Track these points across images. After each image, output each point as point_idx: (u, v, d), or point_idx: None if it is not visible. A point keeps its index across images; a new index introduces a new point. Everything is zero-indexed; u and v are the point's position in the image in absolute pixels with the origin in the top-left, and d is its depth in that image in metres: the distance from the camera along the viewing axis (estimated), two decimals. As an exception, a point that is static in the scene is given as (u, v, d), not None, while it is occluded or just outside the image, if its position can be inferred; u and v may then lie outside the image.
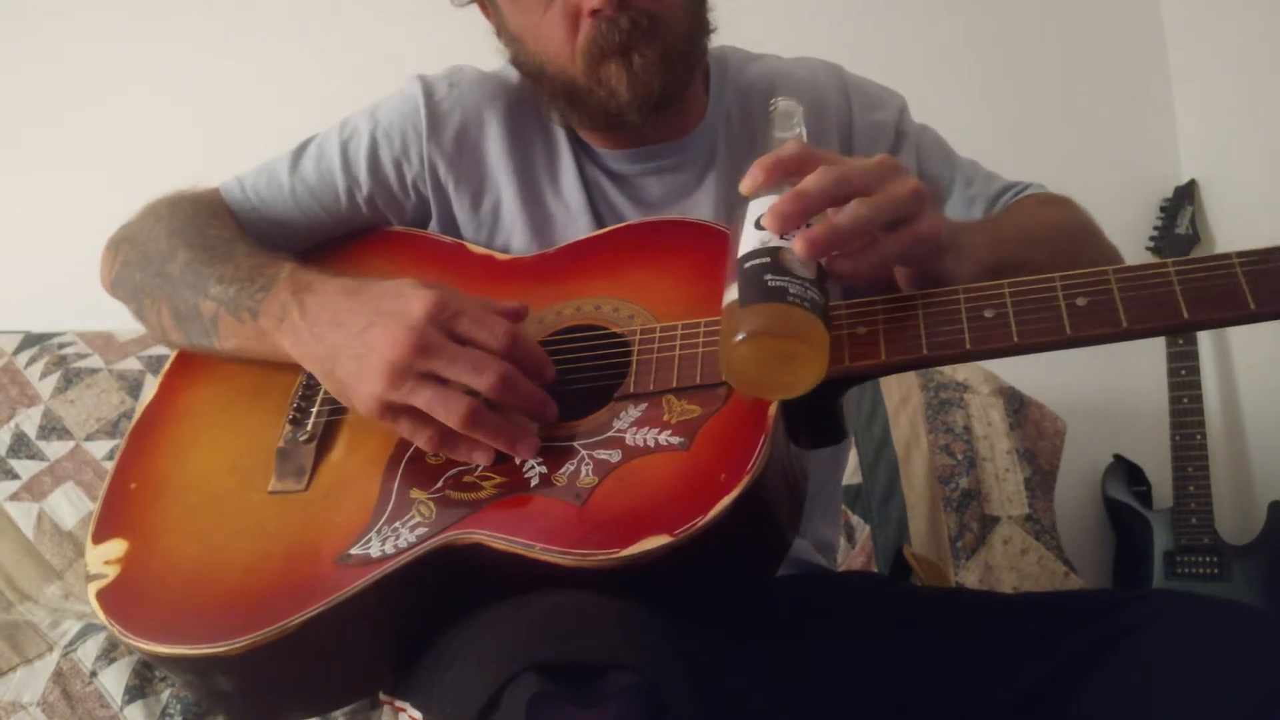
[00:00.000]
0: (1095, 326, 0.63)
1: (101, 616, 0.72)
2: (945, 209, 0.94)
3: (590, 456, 0.68)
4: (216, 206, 0.93)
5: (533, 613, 0.57)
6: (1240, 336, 2.02)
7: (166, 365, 0.89)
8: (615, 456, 0.67)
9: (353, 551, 0.69)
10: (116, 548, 0.76)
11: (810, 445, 0.73)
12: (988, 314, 0.65)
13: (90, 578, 0.74)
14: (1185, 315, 0.62)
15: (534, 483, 0.68)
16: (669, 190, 0.92)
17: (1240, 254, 0.62)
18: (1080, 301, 0.64)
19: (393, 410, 0.70)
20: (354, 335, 0.71)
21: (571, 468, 0.68)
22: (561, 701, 0.49)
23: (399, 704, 0.75)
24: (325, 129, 0.96)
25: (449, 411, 0.68)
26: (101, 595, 0.73)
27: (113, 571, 0.74)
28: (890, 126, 0.95)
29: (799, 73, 0.97)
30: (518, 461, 0.70)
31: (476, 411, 0.68)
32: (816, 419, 0.71)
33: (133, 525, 0.77)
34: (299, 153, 0.94)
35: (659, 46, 0.82)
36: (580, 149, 0.93)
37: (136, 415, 0.86)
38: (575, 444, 0.70)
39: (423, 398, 0.69)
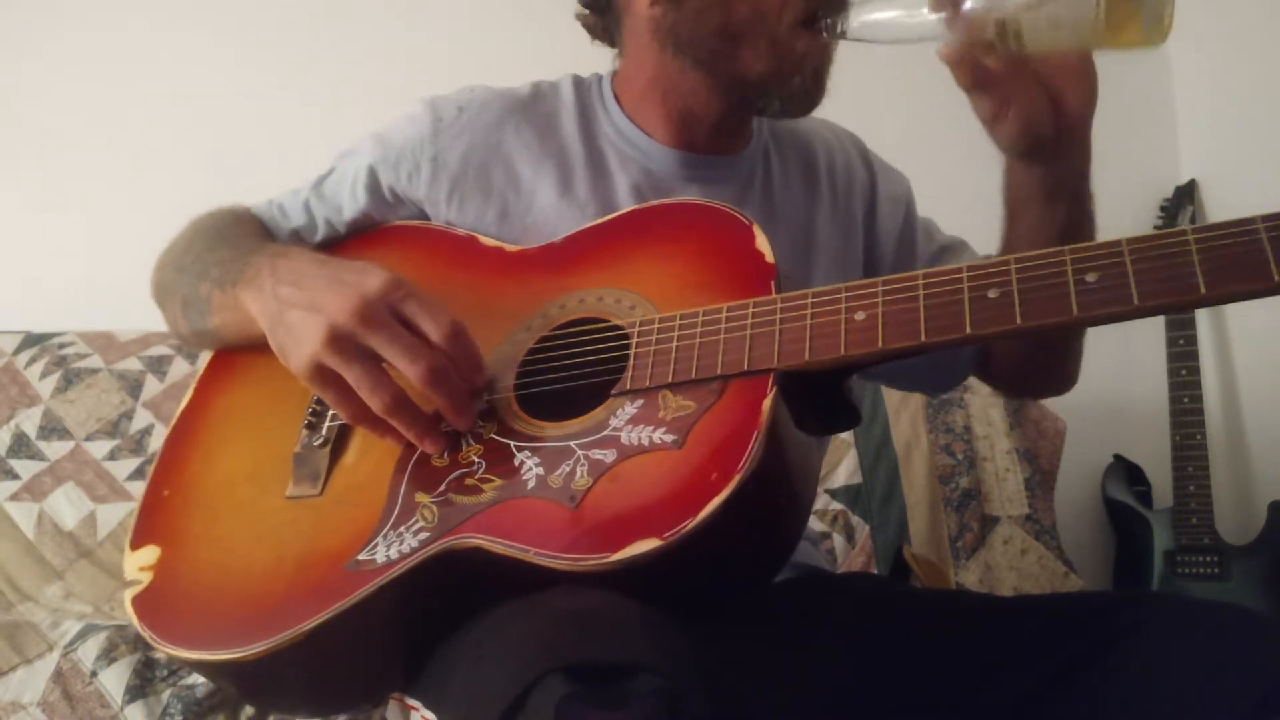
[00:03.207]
0: (1104, 305, 0.61)
1: (135, 622, 0.73)
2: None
3: (586, 457, 0.68)
4: (244, 214, 0.96)
5: (554, 613, 0.57)
6: (1241, 337, 2.03)
7: (201, 369, 0.91)
8: (610, 456, 0.67)
9: (360, 557, 0.69)
10: (150, 554, 0.77)
11: (821, 431, 0.72)
12: (991, 294, 0.64)
13: (126, 584, 0.76)
14: (1202, 290, 0.58)
15: (530, 485, 0.68)
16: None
17: (1266, 217, 0.58)
18: (1090, 278, 0.61)
19: (323, 375, 0.71)
20: (309, 295, 0.73)
21: (567, 468, 0.67)
22: (589, 704, 0.49)
23: (410, 702, 0.76)
24: (344, 148, 0.97)
25: (373, 394, 0.70)
26: (136, 601, 0.74)
27: (146, 578, 0.75)
28: (904, 200, 1.02)
29: (830, 138, 1.02)
30: (516, 463, 0.70)
31: (398, 401, 0.71)
32: (823, 404, 0.70)
33: (165, 532, 0.78)
34: (323, 176, 0.97)
35: (832, 64, 0.87)
36: (613, 155, 0.93)
37: (173, 421, 0.88)
38: (572, 444, 0.69)
39: (353, 373, 0.70)
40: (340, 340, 0.70)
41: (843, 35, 0.82)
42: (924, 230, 1.01)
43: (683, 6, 0.86)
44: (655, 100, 0.92)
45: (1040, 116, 0.74)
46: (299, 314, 0.72)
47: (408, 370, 0.69)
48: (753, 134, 0.96)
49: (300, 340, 0.71)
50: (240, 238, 0.89)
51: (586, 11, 0.98)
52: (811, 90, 0.86)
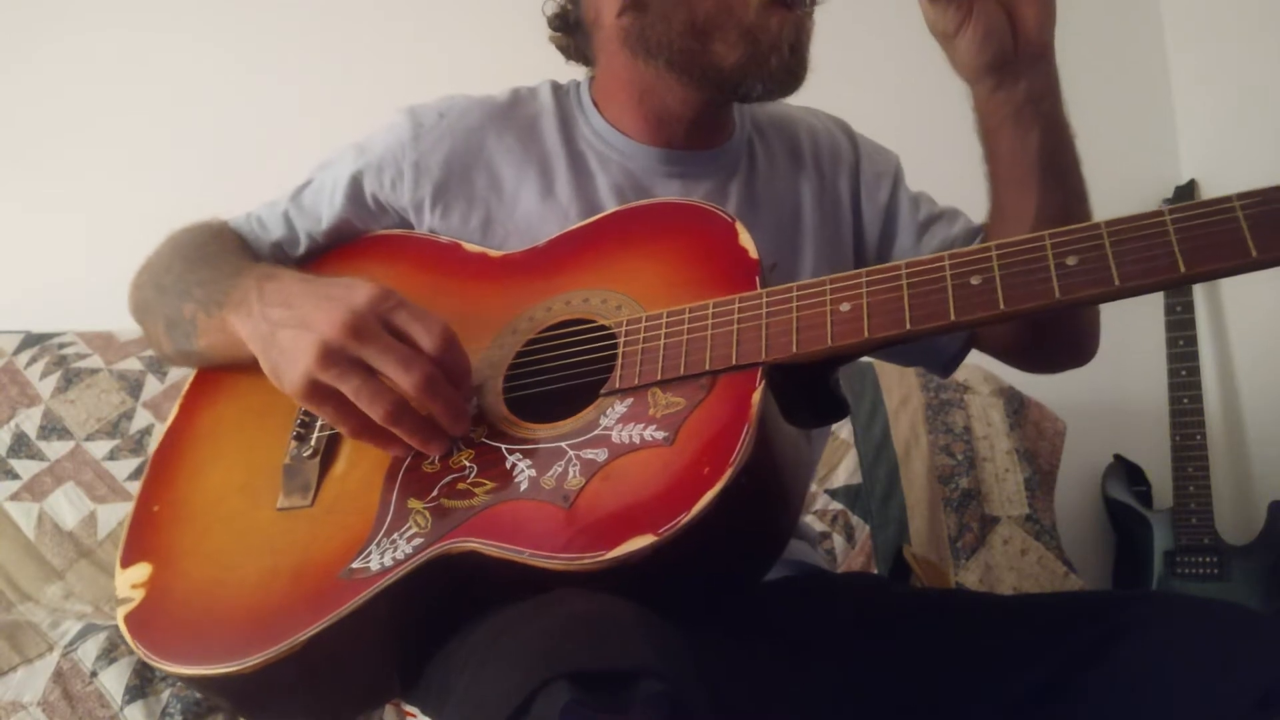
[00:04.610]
0: (1085, 287, 0.61)
1: (129, 640, 0.72)
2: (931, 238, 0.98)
3: (577, 457, 0.68)
4: (222, 229, 0.95)
5: (557, 619, 0.57)
6: (1240, 336, 2.03)
7: (185, 387, 0.90)
8: (601, 455, 0.67)
9: (354, 565, 0.69)
10: (141, 572, 0.76)
11: (811, 424, 0.72)
12: (974, 281, 0.64)
13: (119, 602, 0.75)
14: (1182, 268, 0.59)
15: (523, 487, 0.68)
16: (689, 196, 0.92)
17: (1241, 195, 0.59)
18: (1071, 260, 0.62)
19: (319, 392, 0.71)
20: (298, 314, 0.73)
21: (559, 469, 0.67)
22: (593, 710, 0.49)
23: (407, 708, 0.75)
24: (322, 160, 0.97)
25: (372, 404, 0.70)
26: (129, 619, 0.74)
27: (138, 595, 0.75)
28: (889, 176, 1.01)
29: (814, 122, 1.03)
30: (507, 465, 0.70)
31: (399, 408, 0.70)
32: (811, 397, 0.71)
33: (155, 548, 0.78)
34: (301, 187, 0.97)
35: (811, 36, 0.88)
36: (593, 156, 0.94)
37: (158, 438, 0.87)
38: (563, 444, 0.69)
39: (350, 385, 0.70)
40: (333, 355, 0.69)
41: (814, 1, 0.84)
42: (911, 203, 1.00)
43: (648, 13, 0.87)
44: (632, 104, 0.93)
45: (998, 32, 0.77)
46: (289, 333, 0.72)
47: (402, 380, 0.69)
48: (735, 126, 0.97)
49: (294, 359, 0.71)
50: (220, 256, 0.88)
51: (559, 35, 0.99)
52: (793, 66, 0.86)
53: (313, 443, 0.79)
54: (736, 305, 0.71)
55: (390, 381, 0.70)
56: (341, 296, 0.71)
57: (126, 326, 1.90)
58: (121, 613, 0.74)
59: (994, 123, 0.82)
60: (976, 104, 0.83)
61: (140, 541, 0.79)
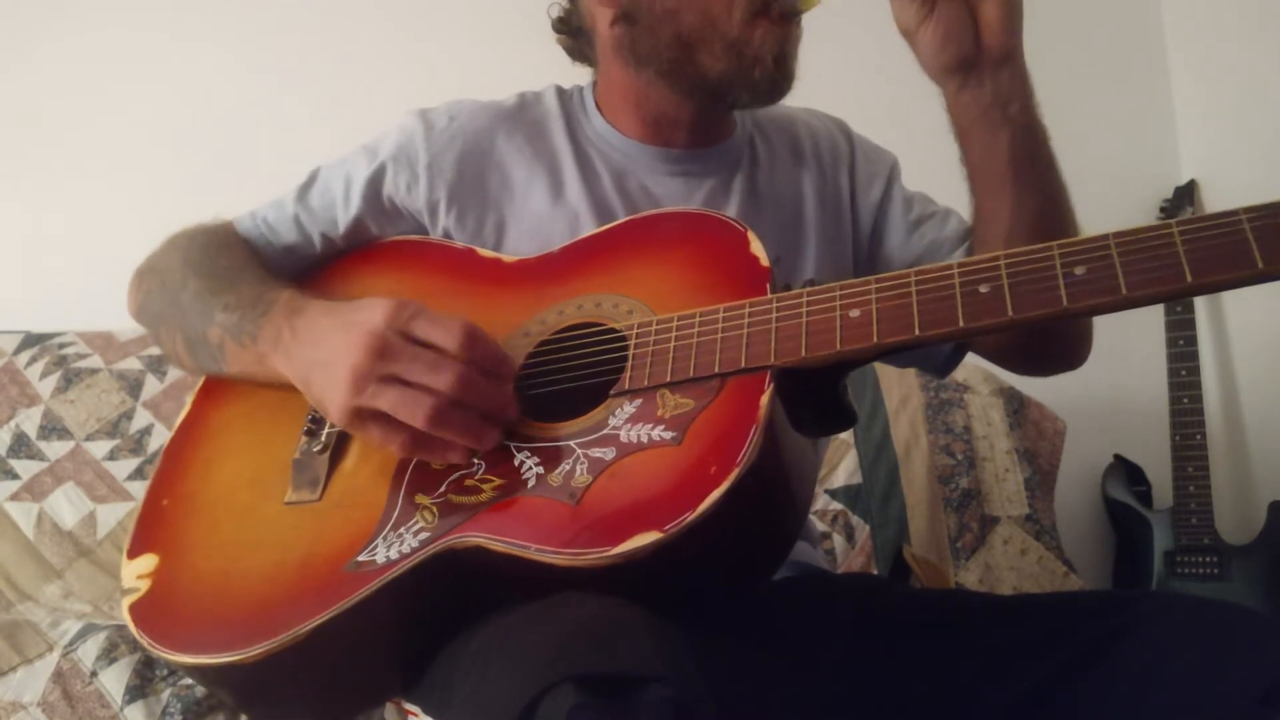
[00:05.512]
0: (1093, 296, 0.62)
1: (133, 629, 0.73)
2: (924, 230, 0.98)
3: (585, 455, 0.68)
4: (229, 237, 0.95)
5: (563, 622, 0.57)
6: (1241, 336, 2.03)
7: (197, 386, 0.91)
8: (609, 454, 0.67)
9: (360, 558, 0.69)
10: (148, 563, 0.77)
11: (818, 432, 0.73)
12: (982, 289, 0.65)
13: (124, 592, 0.76)
14: (1189, 278, 0.60)
15: (531, 483, 0.68)
16: (693, 193, 0.94)
17: (1248, 209, 0.60)
18: (1079, 270, 0.63)
19: (361, 416, 0.72)
20: (326, 350, 0.74)
21: (567, 467, 0.68)
22: (599, 713, 0.49)
23: (409, 707, 0.75)
24: (329, 160, 0.97)
25: (413, 412, 0.70)
26: (133, 609, 0.74)
27: (144, 586, 0.76)
28: (884, 175, 1.02)
29: (814, 121, 1.04)
30: (515, 463, 0.70)
31: (439, 410, 0.70)
32: (819, 405, 0.71)
33: (163, 540, 0.79)
34: (305, 186, 0.97)
35: (800, 41, 0.89)
36: (598, 157, 0.95)
37: (160, 437, 0.88)
38: (571, 443, 0.70)
39: (386, 400, 0.71)
40: (363, 379, 0.71)
41: (796, 10, 0.85)
42: (904, 203, 1.01)
43: (638, 24, 0.89)
44: (631, 107, 0.95)
45: (958, 32, 0.78)
46: (322, 371, 0.74)
47: (434, 382, 0.70)
48: (735, 124, 0.98)
49: (332, 395, 0.73)
50: (239, 276, 0.88)
51: (564, 37, 1.01)
52: (777, 78, 0.88)
53: (323, 438, 0.79)
54: (747, 310, 0.71)
55: (424, 389, 0.70)
56: (360, 320, 0.73)
57: (126, 326, 1.90)
58: (126, 602, 0.75)
59: (964, 124, 0.83)
60: (946, 104, 0.84)
61: (148, 533, 0.80)
